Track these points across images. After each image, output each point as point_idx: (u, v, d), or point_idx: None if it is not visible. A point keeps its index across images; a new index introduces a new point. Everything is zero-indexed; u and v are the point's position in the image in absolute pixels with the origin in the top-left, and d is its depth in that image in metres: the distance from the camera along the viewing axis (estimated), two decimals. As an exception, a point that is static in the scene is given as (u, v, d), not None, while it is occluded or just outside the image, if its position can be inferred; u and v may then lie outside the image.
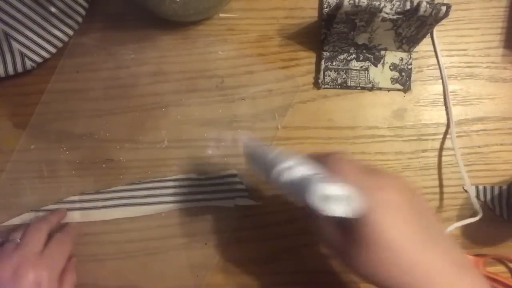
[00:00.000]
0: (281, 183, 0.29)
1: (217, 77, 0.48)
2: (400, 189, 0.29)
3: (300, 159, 0.30)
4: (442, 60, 0.49)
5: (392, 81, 0.48)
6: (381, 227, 0.27)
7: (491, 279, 0.46)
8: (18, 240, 0.39)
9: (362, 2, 0.41)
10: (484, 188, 0.48)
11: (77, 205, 0.46)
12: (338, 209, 0.26)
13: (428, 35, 0.48)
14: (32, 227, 0.40)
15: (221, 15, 0.48)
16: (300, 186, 0.27)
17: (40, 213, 0.45)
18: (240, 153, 0.47)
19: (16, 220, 0.45)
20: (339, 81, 0.48)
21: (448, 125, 0.48)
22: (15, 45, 0.42)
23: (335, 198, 0.26)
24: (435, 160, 0.48)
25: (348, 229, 0.28)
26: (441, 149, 0.48)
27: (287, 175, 0.28)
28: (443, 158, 0.48)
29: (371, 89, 0.48)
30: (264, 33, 0.48)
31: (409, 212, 0.28)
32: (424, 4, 0.41)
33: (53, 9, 0.43)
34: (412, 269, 0.27)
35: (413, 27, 0.44)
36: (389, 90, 0.48)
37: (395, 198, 0.28)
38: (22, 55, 0.43)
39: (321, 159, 0.30)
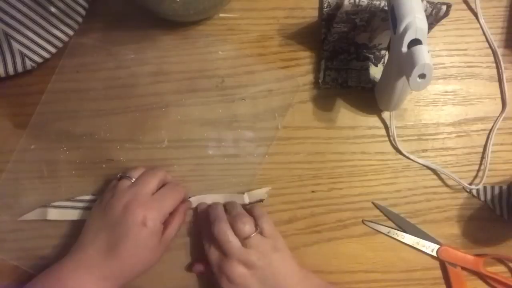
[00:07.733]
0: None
1: (217, 77, 0.48)
2: None
3: None
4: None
5: (392, 81, 0.48)
6: None
7: (491, 279, 0.46)
8: (133, 179, 0.41)
9: (363, 1, 0.41)
10: (484, 188, 0.48)
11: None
12: None
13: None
14: (149, 171, 0.43)
15: (221, 15, 0.48)
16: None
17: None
18: (240, 153, 0.47)
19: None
20: (340, 80, 0.48)
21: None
22: (15, 45, 0.42)
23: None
24: (435, 160, 0.48)
25: None
26: (441, 149, 0.49)
27: None
28: (443, 158, 0.48)
29: (371, 88, 0.48)
30: (264, 33, 0.48)
31: None
32: (424, 3, 0.41)
33: (53, 9, 0.43)
34: None
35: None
36: (389, 90, 0.48)
37: None
38: (22, 55, 0.43)
39: None
